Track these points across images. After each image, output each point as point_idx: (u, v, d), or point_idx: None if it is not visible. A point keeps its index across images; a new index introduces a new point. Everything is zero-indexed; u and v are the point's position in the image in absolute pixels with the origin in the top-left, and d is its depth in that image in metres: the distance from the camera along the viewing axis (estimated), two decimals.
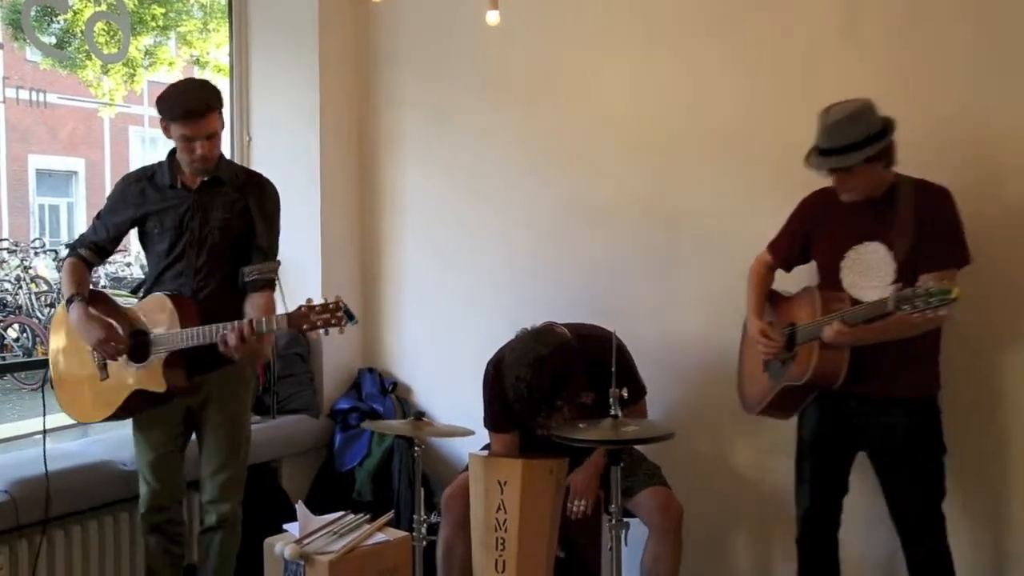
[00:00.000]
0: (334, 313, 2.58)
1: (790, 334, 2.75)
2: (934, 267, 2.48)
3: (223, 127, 2.91)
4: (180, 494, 3.04)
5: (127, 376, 2.82)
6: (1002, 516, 2.90)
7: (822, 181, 2.73)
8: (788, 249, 2.88)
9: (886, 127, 2.54)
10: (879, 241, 2.61)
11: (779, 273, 2.96)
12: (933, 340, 2.65)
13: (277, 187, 3.04)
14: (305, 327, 2.59)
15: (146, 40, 10.08)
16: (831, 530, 2.84)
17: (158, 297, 2.84)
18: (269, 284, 2.89)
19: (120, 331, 2.80)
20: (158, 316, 2.80)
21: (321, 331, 2.62)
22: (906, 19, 2.98)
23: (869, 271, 2.63)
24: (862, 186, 2.60)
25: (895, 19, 3.00)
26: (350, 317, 2.58)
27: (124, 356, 2.81)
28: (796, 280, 2.95)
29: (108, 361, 2.85)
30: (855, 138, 2.50)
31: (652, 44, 3.48)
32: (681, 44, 3.42)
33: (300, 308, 2.61)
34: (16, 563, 2.96)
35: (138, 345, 2.81)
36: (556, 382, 2.83)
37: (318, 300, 2.65)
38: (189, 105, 2.78)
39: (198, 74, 10.06)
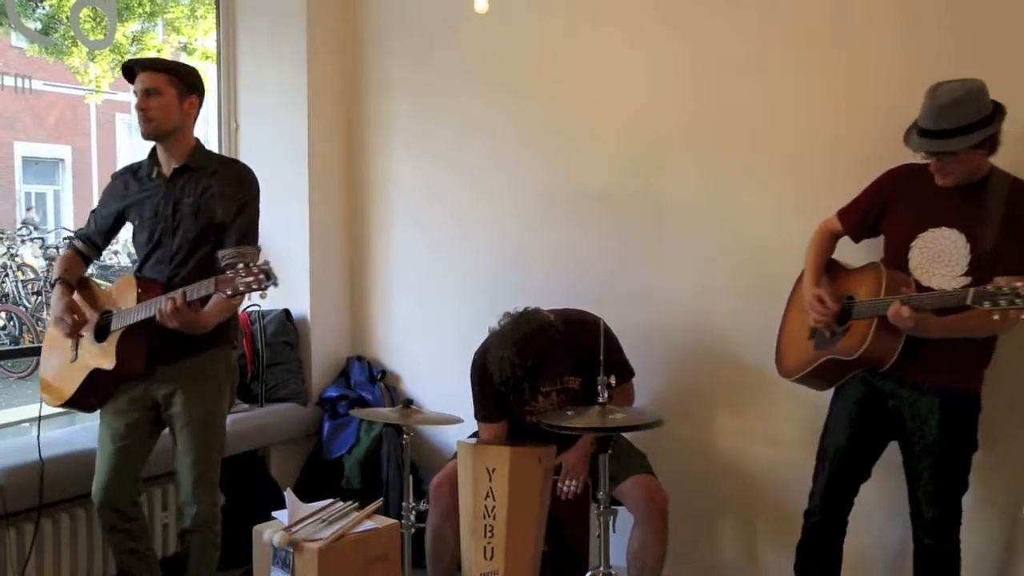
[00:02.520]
0: (256, 276, 2.55)
1: (846, 307, 2.67)
2: (1014, 269, 2.37)
3: (186, 104, 2.89)
4: (133, 492, 2.96)
5: (89, 355, 2.86)
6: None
7: (816, 170, 2.69)
8: (861, 219, 2.77)
9: (995, 112, 2.44)
10: (957, 229, 2.53)
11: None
12: (989, 337, 2.59)
13: (265, 174, 3.03)
14: (229, 291, 2.57)
15: (133, 26, 9.98)
16: (843, 511, 2.81)
17: (125, 277, 2.90)
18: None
19: (80, 310, 2.86)
20: (124, 295, 2.84)
21: (247, 296, 2.61)
22: (905, 5, 2.98)
23: (940, 257, 2.55)
24: (961, 171, 2.50)
25: (890, 3, 3.00)
26: (268, 277, 2.54)
27: (91, 337, 2.84)
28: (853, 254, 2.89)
29: (81, 343, 2.89)
30: (963, 122, 2.39)
31: (639, 32, 3.47)
32: (669, 32, 3.42)
33: (227, 272, 2.61)
34: (5, 551, 2.95)
35: (105, 324, 2.85)
36: (540, 360, 2.85)
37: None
38: (135, 61, 2.90)
39: (185, 61, 9.98)
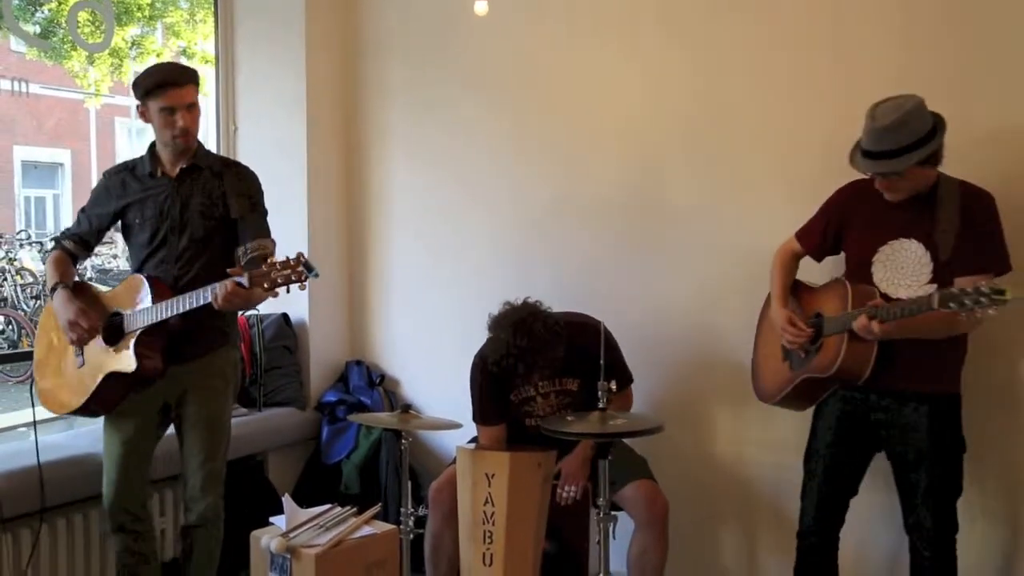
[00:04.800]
0: (294, 268, 2.51)
1: (816, 325, 2.71)
2: (971, 271, 2.44)
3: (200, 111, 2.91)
4: (144, 493, 2.99)
5: (101, 359, 2.81)
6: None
7: (816, 172, 2.70)
8: (820, 239, 2.82)
9: (936, 127, 2.46)
10: (916, 239, 2.57)
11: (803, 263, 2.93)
12: (961, 337, 2.61)
13: (263, 177, 3.04)
14: (266, 285, 2.53)
15: (133, 30, 9.99)
16: (834, 529, 2.82)
17: (132, 277, 2.86)
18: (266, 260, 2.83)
19: (91, 315, 2.80)
20: (132, 296, 2.81)
21: (283, 288, 2.53)
22: (902, 16, 2.96)
23: (903, 268, 2.58)
24: (909, 187, 2.54)
25: (888, 14, 2.99)
26: (309, 270, 2.50)
27: (100, 340, 2.81)
28: (816, 270, 2.92)
29: (86, 347, 2.84)
30: (904, 142, 2.42)
31: (638, 38, 3.47)
32: (667, 38, 3.41)
33: (261, 267, 2.57)
34: (1, 558, 2.93)
35: (114, 327, 2.81)
36: (534, 343, 2.85)
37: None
38: (167, 75, 2.81)
39: (185, 64, 9.95)
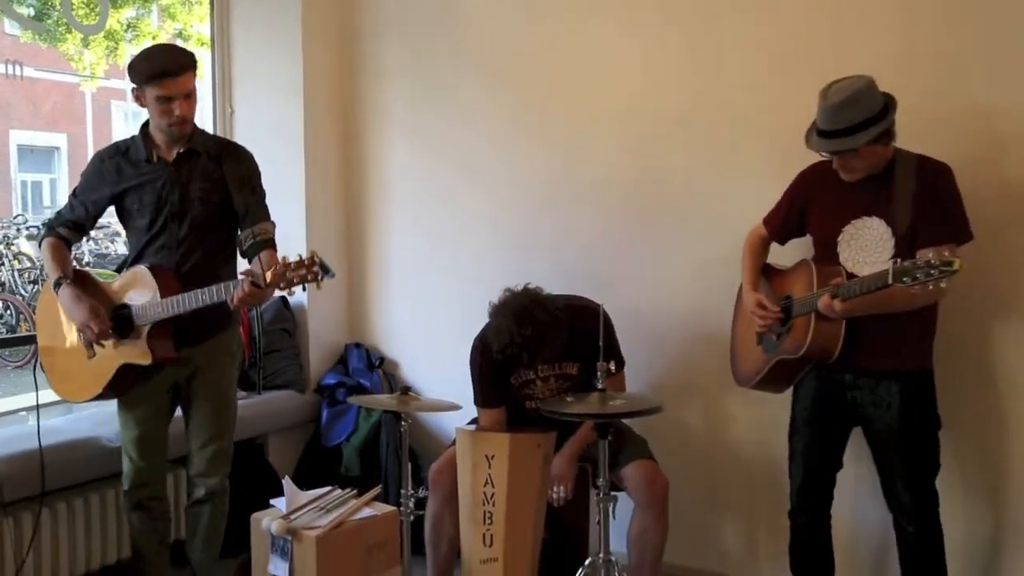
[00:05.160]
0: (310, 268, 2.50)
1: (786, 307, 2.74)
2: (932, 243, 2.47)
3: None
4: (163, 470, 3.03)
5: (114, 351, 2.81)
6: (999, 489, 2.90)
7: (812, 156, 2.71)
8: (784, 222, 2.87)
9: (887, 105, 2.50)
10: (877, 216, 2.59)
11: (775, 247, 2.96)
12: (930, 314, 2.64)
13: (260, 160, 3.02)
14: (282, 285, 2.53)
15: (128, 12, 9.92)
16: (824, 505, 2.84)
17: (137, 270, 2.83)
18: (269, 243, 2.84)
19: (102, 315, 2.78)
20: (138, 288, 2.79)
21: (299, 288, 2.53)
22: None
23: (867, 246, 2.61)
24: (864, 165, 2.57)
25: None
26: (325, 270, 2.50)
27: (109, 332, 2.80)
28: (790, 254, 2.94)
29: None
30: (856, 120, 2.46)
31: (636, 20, 3.45)
32: (666, 20, 3.39)
33: (275, 267, 2.56)
34: (2, 542, 2.94)
35: (121, 319, 2.80)
36: (537, 331, 2.86)
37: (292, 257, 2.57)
38: (165, 64, 2.75)
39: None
